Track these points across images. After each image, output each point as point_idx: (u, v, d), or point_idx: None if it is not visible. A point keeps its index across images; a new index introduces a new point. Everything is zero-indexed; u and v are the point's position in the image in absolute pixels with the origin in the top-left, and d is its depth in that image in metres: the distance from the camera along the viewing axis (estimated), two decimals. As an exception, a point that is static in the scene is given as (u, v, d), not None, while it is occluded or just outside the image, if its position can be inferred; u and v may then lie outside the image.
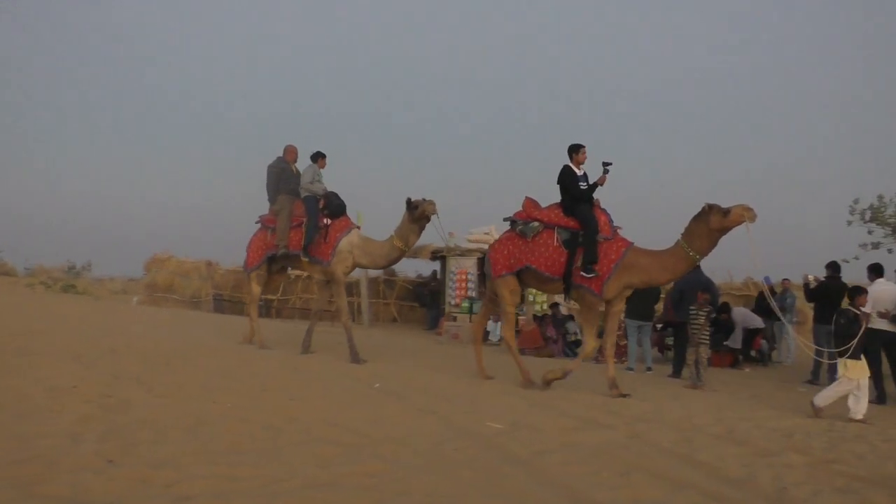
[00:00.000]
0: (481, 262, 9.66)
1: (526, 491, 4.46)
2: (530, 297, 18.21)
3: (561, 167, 9.01)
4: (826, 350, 9.56)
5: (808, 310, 15.05)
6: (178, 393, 6.80)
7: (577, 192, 8.84)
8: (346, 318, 10.65)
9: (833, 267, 11.63)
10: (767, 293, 11.11)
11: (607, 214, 8.88)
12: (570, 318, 16.56)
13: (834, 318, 8.39)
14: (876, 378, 9.75)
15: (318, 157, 10.81)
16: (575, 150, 8.98)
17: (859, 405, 7.97)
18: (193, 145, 67.97)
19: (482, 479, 4.66)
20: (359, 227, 10.70)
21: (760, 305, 14.78)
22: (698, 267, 11.66)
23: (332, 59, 70.61)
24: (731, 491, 4.67)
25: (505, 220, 9.39)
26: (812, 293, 11.74)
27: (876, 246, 14.84)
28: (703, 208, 8.17)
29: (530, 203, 9.16)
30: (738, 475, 5.05)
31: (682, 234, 8.35)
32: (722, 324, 13.64)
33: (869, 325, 9.65)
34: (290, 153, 11.19)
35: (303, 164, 11.04)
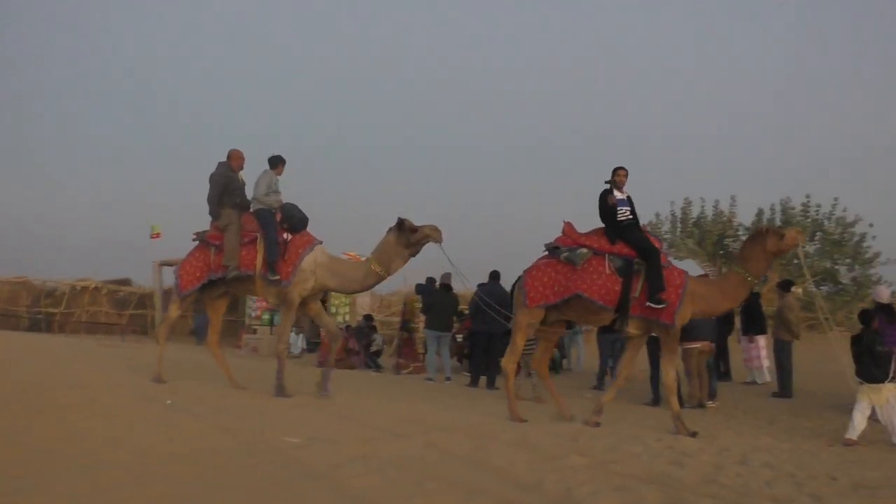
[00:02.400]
0: (512, 290, 8.98)
1: (323, 505, 4.42)
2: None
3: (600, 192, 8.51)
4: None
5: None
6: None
7: (614, 219, 8.35)
8: (282, 346, 9.46)
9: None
10: None
11: (660, 241, 8.47)
12: (374, 329, 16.70)
13: (866, 345, 7.89)
14: (653, 381, 10.59)
15: (276, 163, 9.41)
16: (612, 174, 8.54)
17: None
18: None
19: (279, 495, 4.57)
20: (321, 242, 9.33)
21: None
22: (497, 279, 12.16)
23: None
24: (521, 495, 4.89)
25: (546, 246, 8.59)
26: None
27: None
28: (760, 230, 8.20)
29: (571, 228, 8.53)
30: (528, 479, 5.30)
31: (736, 260, 8.20)
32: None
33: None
34: (237, 160, 9.66)
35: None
